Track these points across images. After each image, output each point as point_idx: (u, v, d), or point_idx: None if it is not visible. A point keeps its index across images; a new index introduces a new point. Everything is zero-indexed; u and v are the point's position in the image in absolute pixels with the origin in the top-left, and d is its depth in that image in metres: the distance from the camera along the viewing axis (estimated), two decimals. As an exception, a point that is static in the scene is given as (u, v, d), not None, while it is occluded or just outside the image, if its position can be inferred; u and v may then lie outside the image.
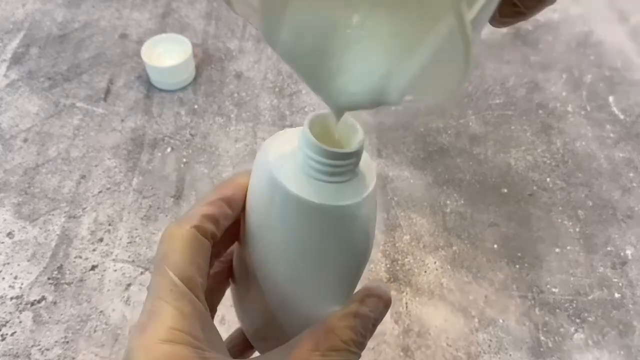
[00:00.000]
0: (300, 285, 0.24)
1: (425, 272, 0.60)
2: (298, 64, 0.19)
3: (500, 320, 0.57)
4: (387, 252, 0.61)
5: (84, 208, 0.62)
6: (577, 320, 0.57)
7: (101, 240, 0.59)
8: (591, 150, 0.73)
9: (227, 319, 0.52)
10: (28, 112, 0.71)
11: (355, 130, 0.22)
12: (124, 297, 0.55)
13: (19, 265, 0.57)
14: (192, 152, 0.68)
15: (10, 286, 0.55)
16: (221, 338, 0.23)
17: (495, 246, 0.62)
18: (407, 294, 0.58)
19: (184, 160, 0.67)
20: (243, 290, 0.28)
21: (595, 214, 0.66)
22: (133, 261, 0.58)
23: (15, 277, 0.56)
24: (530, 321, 0.57)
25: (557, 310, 0.58)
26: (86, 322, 0.53)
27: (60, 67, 0.77)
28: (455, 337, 0.55)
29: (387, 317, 0.56)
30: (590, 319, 0.57)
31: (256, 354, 0.32)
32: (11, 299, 0.55)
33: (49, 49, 0.79)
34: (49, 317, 0.54)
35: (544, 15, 0.91)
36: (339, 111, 0.21)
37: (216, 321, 0.25)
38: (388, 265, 0.60)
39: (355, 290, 0.25)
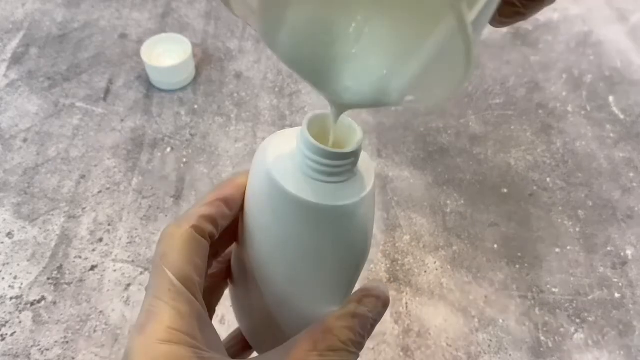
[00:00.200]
0: (298, 286, 0.24)
1: (426, 272, 0.60)
2: (297, 65, 0.19)
3: (500, 320, 0.57)
4: (387, 252, 0.61)
5: (84, 208, 0.62)
6: (577, 320, 0.57)
7: (101, 240, 0.59)
8: (591, 150, 0.73)
9: (227, 319, 0.52)
10: (28, 112, 0.71)
11: (353, 131, 0.22)
12: (123, 297, 0.55)
13: (18, 265, 0.57)
14: (192, 152, 0.68)
15: (10, 286, 0.55)
16: (219, 338, 0.23)
17: (496, 246, 0.62)
18: (407, 294, 0.58)
19: (184, 160, 0.67)
20: (241, 291, 0.28)
21: (595, 214, 0.66)
22: (133, 261, 0.58)
23: (15, 277, 0.56)
24: (530, 321, 0.57)
25: (557, 310, 0.58)
26: (86, 322, 0.53)
27: (60, 67, 0.77)
28: (455, 337, 0.55)
29: (387, 317, 0.56)
30: (590, 319, 0.57)
31: (255, 354, 0.32)
32: (11, 299, 0.55)
33: (49, 49, 0.79)
34: (49, 317, 0.54)
35: (544, 15, 0.91)
36: (339, 110, 0.21)
37: (216, 321, 0.25)
38: (388, 265, 0.60)
39: (354, 290, 0.25)
